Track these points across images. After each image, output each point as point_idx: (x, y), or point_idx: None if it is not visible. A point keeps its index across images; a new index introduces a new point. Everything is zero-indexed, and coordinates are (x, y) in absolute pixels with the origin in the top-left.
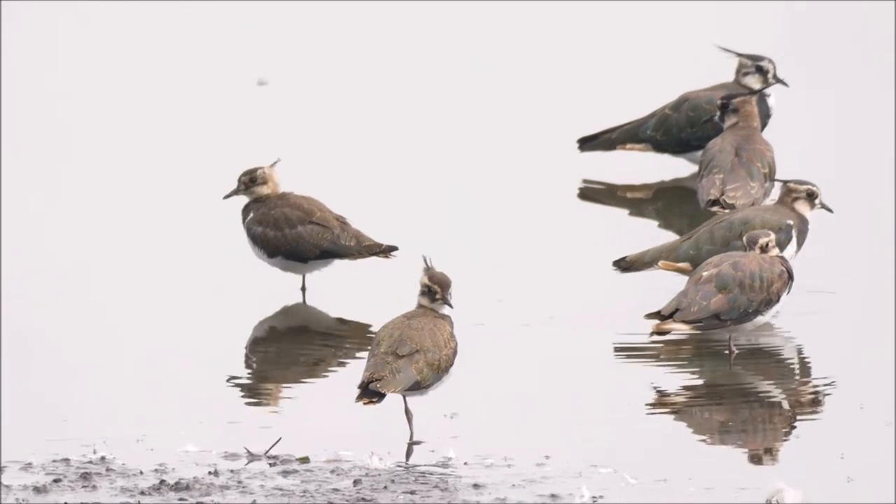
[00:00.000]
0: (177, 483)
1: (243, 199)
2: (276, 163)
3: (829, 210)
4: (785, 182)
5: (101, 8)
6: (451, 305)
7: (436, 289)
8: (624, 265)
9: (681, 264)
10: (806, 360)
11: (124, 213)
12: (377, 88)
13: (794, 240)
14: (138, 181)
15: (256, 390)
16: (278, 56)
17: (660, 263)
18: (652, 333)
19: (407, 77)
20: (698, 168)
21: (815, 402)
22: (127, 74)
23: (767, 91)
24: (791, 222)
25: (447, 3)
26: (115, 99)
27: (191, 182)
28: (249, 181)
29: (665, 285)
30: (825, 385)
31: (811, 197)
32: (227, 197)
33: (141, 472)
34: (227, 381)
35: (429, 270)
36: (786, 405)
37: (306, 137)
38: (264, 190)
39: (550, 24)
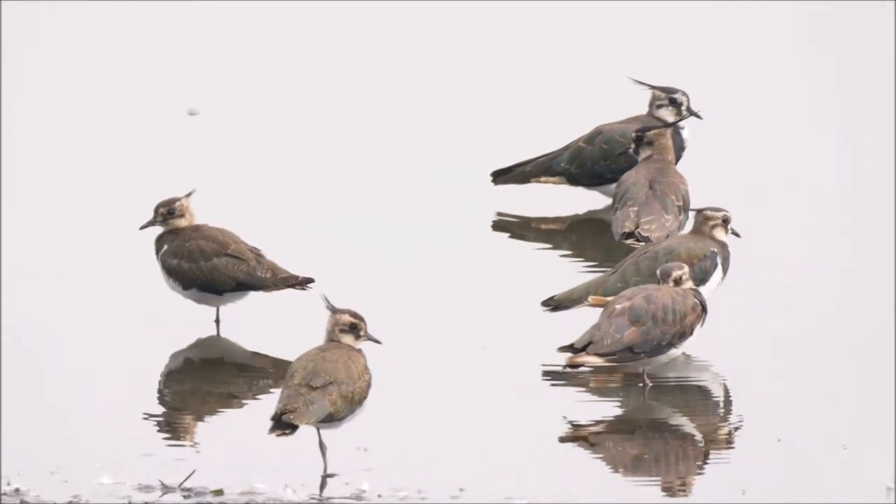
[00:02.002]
0: None
1: (158, 229)
2: (190, 193)
3: (737, 235)
4: (700, 210)
5: (32, 34)
6: (378, 342)
7: (362, 325)
8: (553, 304)
9: (610, 298)
10: (719, 393)
11: (40, 240)
12: (303, 121)
13: (719, 267)
14: (58, 208)
15: (171, 422)
16: (210, 87)
17: (590, 299)
18: (565, 367)
19: (328, 110)
20: (612, 201)
21: (727, 436)
22: (57, 102)
23: (681, 124)
24: (715, 250)
25: (369, 38)
26: (43, 126)
27: (109, 211)
28: (167, 213)
29: (569, 320)
30: (736, 419)
31: (726, 223)
32: (143, 227)
33: None
34: (142, 412)
35: (337, 309)
36: (697, 438)
37: (232, 168)
38: (182, 222)
39: (465, 55)
